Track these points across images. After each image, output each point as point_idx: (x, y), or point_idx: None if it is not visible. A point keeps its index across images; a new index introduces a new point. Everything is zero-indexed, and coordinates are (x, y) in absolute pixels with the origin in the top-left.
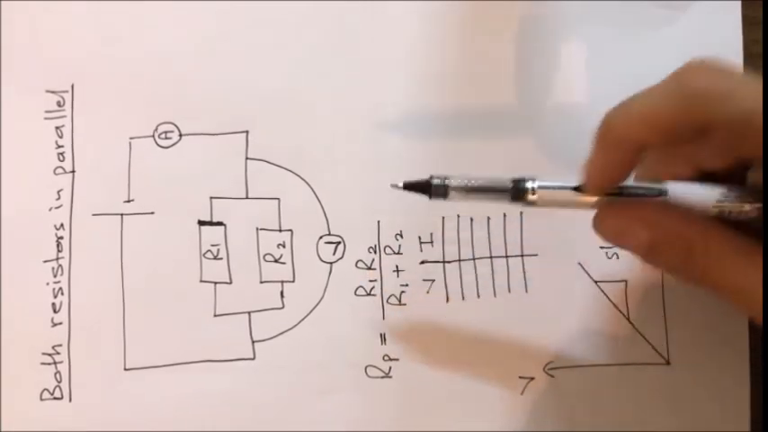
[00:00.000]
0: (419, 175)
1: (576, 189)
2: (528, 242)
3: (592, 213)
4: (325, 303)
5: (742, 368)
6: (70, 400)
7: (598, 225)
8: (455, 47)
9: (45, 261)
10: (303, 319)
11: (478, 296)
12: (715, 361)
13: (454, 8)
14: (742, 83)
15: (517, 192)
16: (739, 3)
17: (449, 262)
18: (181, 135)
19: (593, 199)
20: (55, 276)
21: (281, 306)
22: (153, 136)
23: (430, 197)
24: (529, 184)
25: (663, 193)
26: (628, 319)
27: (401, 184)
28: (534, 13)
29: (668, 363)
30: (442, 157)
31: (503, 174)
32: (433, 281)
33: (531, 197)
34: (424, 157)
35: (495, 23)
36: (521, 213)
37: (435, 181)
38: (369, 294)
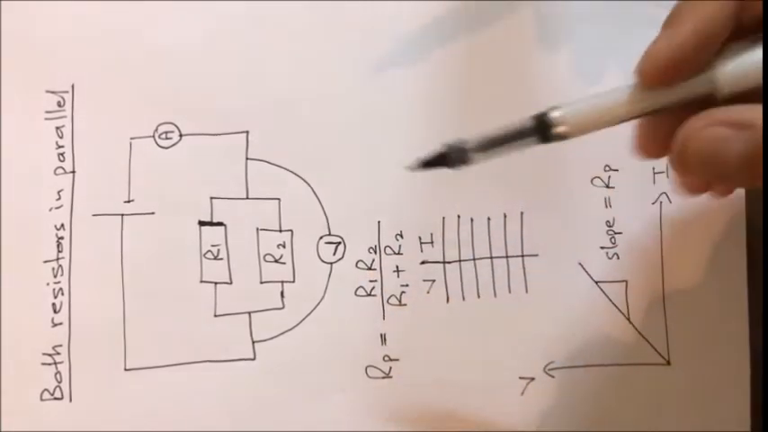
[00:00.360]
0: (421, 174)
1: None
2: (528, 242)
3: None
4: (325, 304)
5: (742, 368)
6: (71, 400)
7: (661, 138)
8: (457, 47)
9: (45, 261)
10: (303, 320)
11: (479, 296)
12: (715, 361)
13: (455, 8)
14: None
15: (542, 126)
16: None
17: (449, 262)
18: (181, 135)
19: (641, 106)
20: (55, 276)
21: (281, 306)
22: (153, 136)
23: (451, 167)
24: (555, 114)
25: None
26: (628, 319)
27: (417, 165)
28: (534, 13)
29: (668, 363)
30: None
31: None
32: (434, 281)
33: (559, 129)
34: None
35: (495, 24)
36: (521, 213)
37: (451, 148)
38: (369, 295)
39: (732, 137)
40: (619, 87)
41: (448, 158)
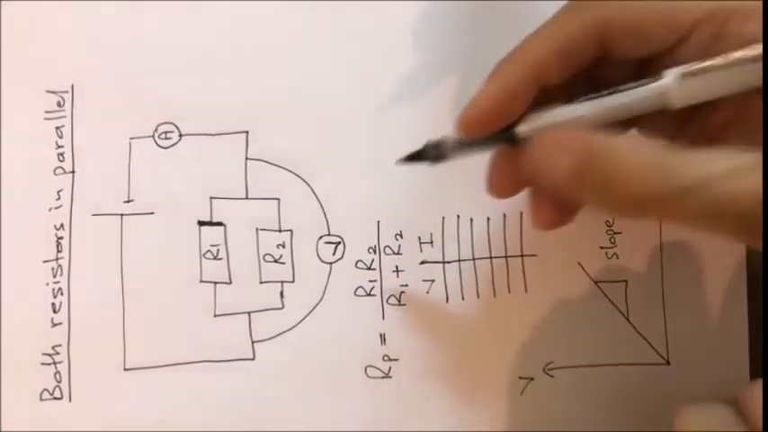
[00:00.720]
0: (421, 174)
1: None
2: (527, 242)
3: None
4: (324, 303)
5: (742, 368)
6: (70, 400)
7: (491, 176)
8: (456, 48)
9: (45, 261)
10: (303, 320)
11: (478, 296)
12: (715, 361)
13: (454, 9)
14: None
15: (507, 128)
16: None
17: (448, 262)
18: (181, 135)
19: (588, 107)
20: (54, 277)
21: (280, 306)
22: (153, 136)
23: (430, 162)
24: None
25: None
26: (627, 319)
27: (400, 160)
28: (534, 13)
29: (668, 363)
30: None
31: None
32: (433, 281)
33: (521, 129)
34: None
35: (495, 24)
36: (521, 213)
37: (429, 145)
38: (368, 294)
39: (563, 149)
40: (587, 97)
41: (427, 154)
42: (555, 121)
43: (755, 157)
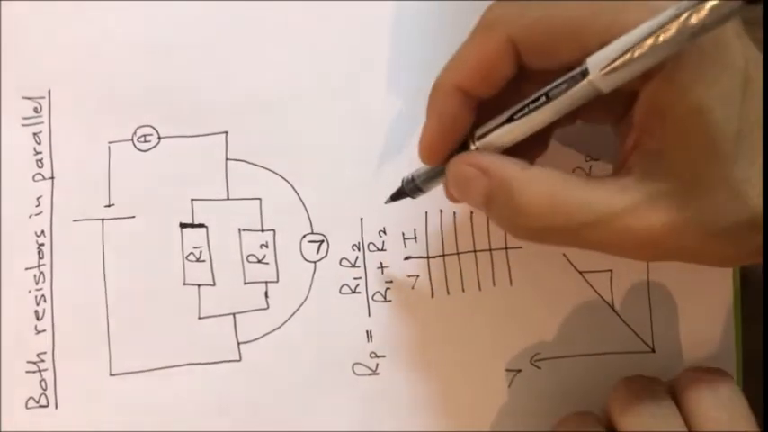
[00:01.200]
0: (404, 171)
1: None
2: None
3: None
4: (310, 302)
5: (728, 356)
6: (56, 407)
7: (446, 187)
8: (440, 48)
9: (26, 268)
10: (288, 319)
11: (463, 290)
12: (699, 348)
13: (443, 9)
14: (531, 0)
15: (408, 184)
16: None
17: (433, 257)
18: (160, 138)
19: (523, 122)
20: (37, 284)
21: (265, 306)
22: (132, 140)
23: (411, 196)
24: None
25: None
26: (613, 308)
27: (388, 200)
28: None
29: (653, 350)
30: None
31: None
32: (418, 276)
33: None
34: (408, 152)
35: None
36: None
37: (405, 182)
38: (354, 292)
39: (476, 177)
40: (523, 104)
41: (405, 189)
42: (498, 138)
43: (656, 189)
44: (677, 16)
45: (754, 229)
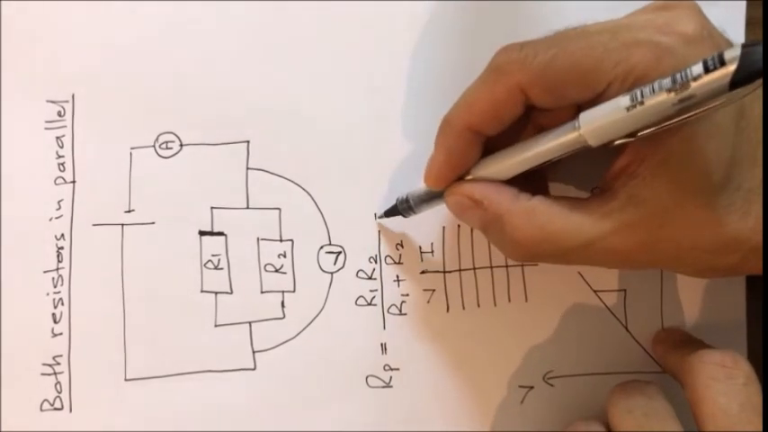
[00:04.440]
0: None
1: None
2: None
3: None
4: (325, 313)
5: None
6: (71, 410)
7: (447, 203)
8: (457, 52)
9: (45, 271)
10: (304, 329)
11: (479, 305)
12: None
13: (455, 12)
14: (538, 44)
15: (402, 204)
16: (744, 3)
17: (449, 272)
18: (182, 145)
19: (516, 161)
20: (55, 287)
21: (281, 316)
22: (154, 146)
23: (403, 215)
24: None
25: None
26: (626, 328)
27: (380, 216)
28: (534, 13)
29: (665, 371)
30: None
31: None
32: (434, 290)
33: (469, 177)
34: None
35: (494, 26)
36: None
37: (399, 201)
38: (369, 304)
39: (471, 209)
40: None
41: (399, 208)
42: (491, 174)
43: (639, 214)
44: (670, 90)
45: (730, 251)
